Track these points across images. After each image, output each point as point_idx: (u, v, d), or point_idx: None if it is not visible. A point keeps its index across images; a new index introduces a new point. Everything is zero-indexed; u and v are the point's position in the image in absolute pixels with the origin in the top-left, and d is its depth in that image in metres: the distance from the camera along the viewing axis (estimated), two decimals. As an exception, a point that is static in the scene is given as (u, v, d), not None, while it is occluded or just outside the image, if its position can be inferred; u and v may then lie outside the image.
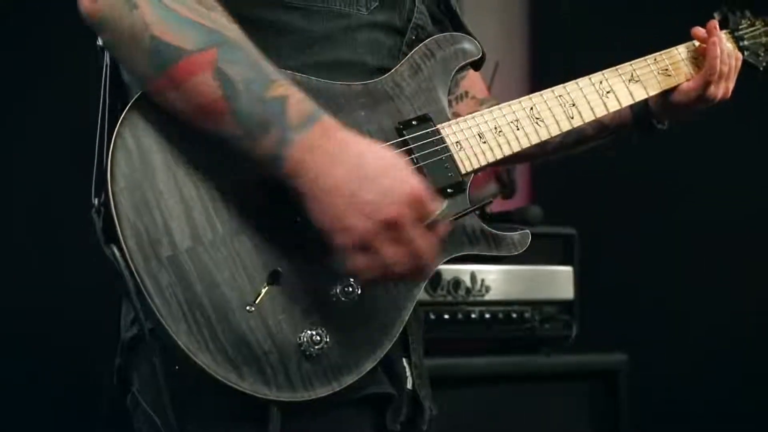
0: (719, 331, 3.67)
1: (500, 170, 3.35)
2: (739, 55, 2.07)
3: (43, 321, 3.11)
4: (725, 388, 3.67)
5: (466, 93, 2.08)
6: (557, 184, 3.89)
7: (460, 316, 3.10)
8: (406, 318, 1.60)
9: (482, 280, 3.11)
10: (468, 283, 3.10)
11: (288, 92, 1.47)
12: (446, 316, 3.08)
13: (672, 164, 3.65)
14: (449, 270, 3.05)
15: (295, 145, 1.45)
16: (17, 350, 3.10)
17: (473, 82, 2.11)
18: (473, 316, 3.11)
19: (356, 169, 1.44)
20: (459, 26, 1.86)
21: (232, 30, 1.50)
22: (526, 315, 3.17)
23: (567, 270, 3.26)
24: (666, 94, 2.01)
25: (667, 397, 3.70)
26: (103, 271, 1.48)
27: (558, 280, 3.24)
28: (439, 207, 1.48)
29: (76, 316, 3.00)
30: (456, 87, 2.07)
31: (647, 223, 3.81)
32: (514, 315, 3.16)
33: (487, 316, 3.12)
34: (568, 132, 1.88)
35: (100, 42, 1.61)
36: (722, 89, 2.02)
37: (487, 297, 3.13)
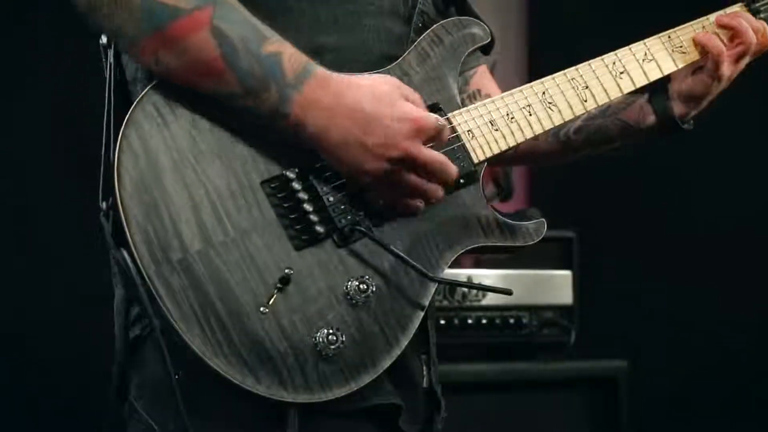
0: (721, 336, 3.65)
1: (497, 172, 3.32)
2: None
3: (38, 327, 3.10)
4: (727, 395, 3.65)
5: (479, 91, 2.06)
6: (556, 186, 3.86)
7: (456, 321, 3.08)
8: (422, 314, 1.60)
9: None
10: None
11: (281, 48, 1.52)
12: (442, 322, 3.05)
13: (673, 166, 3.62)
14: (445, 274, 2.98)
15: (294, 102, 1.50)
16: (12, 356, 3.09)
17: (484, 79, 2.09)
18: (470, 321, 3.09)
19: (357, 118, 1.51)
20: (466, 12, 1.83)
21: None
22: (524, 320, 3.15)
23: (566, 274, 3.23)
24: (687, 86, 1.94)
25: (668, 404, 3.67)
26: (100, 276, 1.52)
27: (557, 285, 3.21)
28: (437, 121, 1.57)
29: (72, 322, 3.01)
30: (466, 85, 2.04)
31: (648, 226, 3.79)
32: (512, 320, 3.14)
33: (484, 321, 3.10)
34: (592, 133, 1.90)
35: (103, 40, 1.62)
36: (741, 64, 1.92)
37: (484, 302, 3.11)
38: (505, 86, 1.88)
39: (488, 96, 2.06)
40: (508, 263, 3.11)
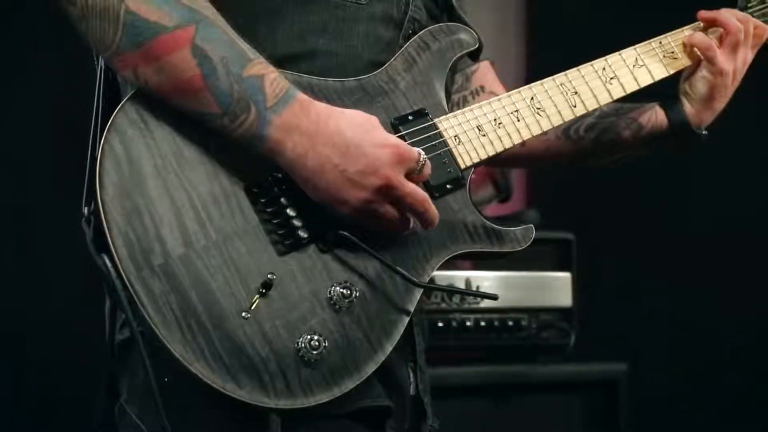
0: (721, 339, 3.62)
1: (496, 173, 3.31)
2: (760, 23, 1.95)
3: (29, 329, 3.09)
4: (728, 398, 3.62)
5: (482, 87, 2.06)
6: (555, 187, 3.84)
7: (454, 323, 3.05)
8: (407, 320, 1.58)
9: (477, 287, 3.05)
10: (462, 289, 3.03)
11: (264, 71, 1.51)
12: (440, 324, 3.02)
13: (673, 167, 3.59)
14: (443, 276, 2.99)
15: (274, 125, 1.49)
16: (10, 356, 3.09)
17: (487, 76, 2.08)
18: (468, 323, 3.06)
19: (337, 144, 1.50)
20: (456, 20, 1.83)
21: (207, 8, 1.51)
22: (523, 323, 3.12)
23: (565, 276, 3.20)
24: (692, 86, 1.93)
25: (668, 408, 3.65)
26: (92, 278, 1.48)
27: (556, 287, 3.18)
28: (420, 155, 1.55)
29: (64, 324, 2.99)
30: (467, 82, 2.05)
31: (647, 228, 3.76)
32: (511, 323, 3.11)
33: (483, 323, 3.07)
34: (603, 132, 1.91)
35: None
36: (741, 57, 1.91)
37: (483, 304, 3.08)
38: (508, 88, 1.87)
39: (492, 92, 2.05)
40: (507, 265, 3.09)
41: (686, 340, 3.67)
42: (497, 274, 3.09)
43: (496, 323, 3.08)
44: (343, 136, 1.50)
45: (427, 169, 1.56)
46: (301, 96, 1.52)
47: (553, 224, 3.28)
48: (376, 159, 1.50)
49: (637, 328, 3.69)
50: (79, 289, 2.39)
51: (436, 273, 3.04)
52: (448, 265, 2.59)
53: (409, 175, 1.53)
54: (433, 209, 1.57)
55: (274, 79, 1.50)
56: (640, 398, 3.24)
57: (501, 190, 3.36)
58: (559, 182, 3.74)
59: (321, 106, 1.53)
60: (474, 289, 3.04)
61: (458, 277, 3.02)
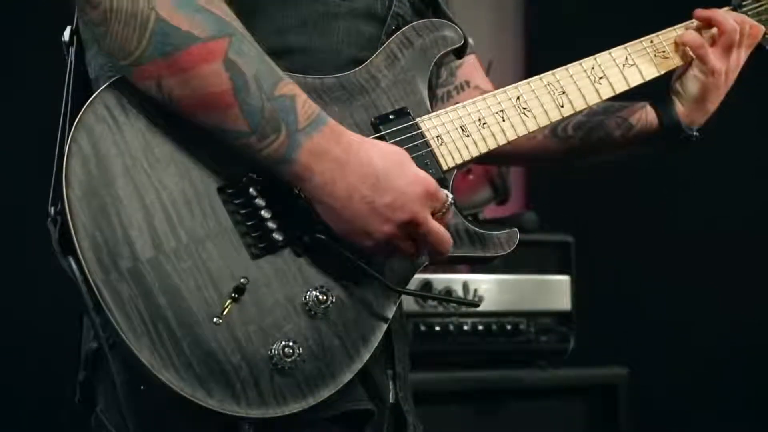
0: (723, 342, 3.62)
1: (494, 175, 3.29)
2: (755, 23, 1.92)
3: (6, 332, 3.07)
4: (729, 402, 3.61)
5: (467, 83, 2.03)
6: (554, 189, 3.82)
7: (451, 327, 3.02)
8: (385, 327, 1.54)
9: (475, 290, 3.03)
10: (460, 292, 3.00)
11: (295, 91, 1.46)
12: (437, 328, 2.99)
13: (672, 169, 3.58)
14: (440, 279, 2.97)
15: (304, 149, 1.45)
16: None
17: (473, 71, 2.05)
18: (466, 327, 3.03)
19: (368, 175, 1.46)
20: (441, 15, 1.78)
21: (237, 21, 1.46)
22: (521, 326, 3.09)
23: (564, 279, 3.18)
24: (684, 86, 1.91)
25: (669, 412, 3.64)
26: (65, 281, 1.42)
27: (555, 290, 3.16)
28: (447, 197, 1.53)
29: (42, 327, 2.99)
30: (452, 77, 2.02)
31: (647, 230, 3.75)
32: (509, 326, 3.08)
33: (481, 327, 3.04)
34: (592, 130, 1.89)
35: (65, 37, 1.58)
36: (734, 58, 1.88)
37: (481, 308, 3.05)
38: (503, 85, 1.84)
39: (477, 87, 2.02)
40: (505, 268, 3.07)
41: (686, 343, 3.66)
42: (495, 277, 3.06)
43: (494, 327, 3.06)
44: (373, 167, 1.46)
45: (450, 214, 1.54)
46: (332, 121, 1.47)
47: (551, 226, 3.27)
48: (405, 194, 1.47)
49: (637, 331, 3.68)
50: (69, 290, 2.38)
51: (434, 275, 3.03)
52: (445, 268, 2.56)
53: (434, 215, 1.51)
54: (449, 246, 1.54)
55: (305, 101, 1.46)
56: (641, 402, 3.22)
57: (499, 192, 3.34)
58: (557, 184, 3.73)
59: (352, 134, 1.49)
60: (472, 292, 3.02)
61: (456, 280, 2.99)
